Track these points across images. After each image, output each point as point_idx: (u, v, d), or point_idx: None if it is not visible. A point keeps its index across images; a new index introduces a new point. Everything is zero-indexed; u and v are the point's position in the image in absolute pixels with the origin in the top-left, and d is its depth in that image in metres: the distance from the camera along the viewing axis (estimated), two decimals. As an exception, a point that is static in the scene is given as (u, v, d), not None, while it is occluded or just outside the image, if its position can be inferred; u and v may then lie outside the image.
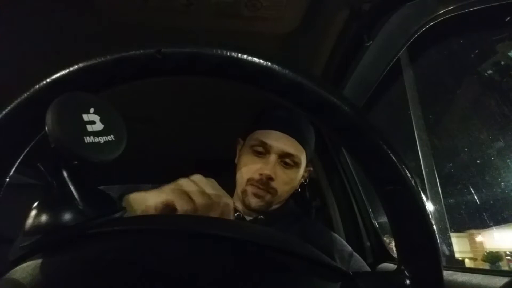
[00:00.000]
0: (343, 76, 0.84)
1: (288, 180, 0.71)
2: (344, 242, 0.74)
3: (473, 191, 1.03)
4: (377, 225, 1.05)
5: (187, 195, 0.41)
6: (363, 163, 0.25)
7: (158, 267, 0.22)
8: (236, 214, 0.72)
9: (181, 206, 0.40)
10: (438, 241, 0.23)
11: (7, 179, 0.25)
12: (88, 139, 0.23)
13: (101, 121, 0.24)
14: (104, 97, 0.25)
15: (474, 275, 0.60)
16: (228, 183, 0.58)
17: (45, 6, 0.62)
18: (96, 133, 0.23)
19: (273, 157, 0.69)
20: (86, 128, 0.23)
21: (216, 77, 0.24)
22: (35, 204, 0.25)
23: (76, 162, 0.24)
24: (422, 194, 0.23)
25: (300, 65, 0.25)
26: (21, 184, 1.17)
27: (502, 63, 0.90)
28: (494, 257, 1.38)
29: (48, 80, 0.24)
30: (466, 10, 0.59)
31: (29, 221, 0.24)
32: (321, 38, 0.74)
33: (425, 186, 1.04)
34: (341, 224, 1.06)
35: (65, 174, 0.25)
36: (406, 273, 0.24)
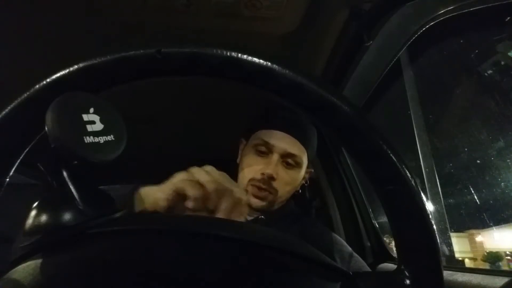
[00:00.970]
0: (343, 76, 0.84)
1: (290, 181, 0.71)
2: (344, 242, 0.74)
3: (473, 191, 1.03)
4: (377, 225, 1.05)
5: (198, 182, 0.40)
6: (363, 163, 0.25)
7: (158, 267, 0.22)
8: None
9: (192, 193, 0.39)
10: (438, 241, 0.23)
11: (7, 179, 0.25)
12: (88, 139, 0.23)
13: (101, 121, 0.24)
14: (104, 97, 0.25)
15: (474, 275, 0.60)
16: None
17: (45, 6, 0.62)
18: (96, 133, 0.23)
19: (275, 157, 0.69)
20: (86, 128, 0.23)
21: (216, 77, 0.24)
22: (35, 204, 0.25)
23: (76, 162, 0.24)
24: (422, 194, 0.23)
25: (300, 65, 0.25)
26: (21, 184, 1.17)
27: (502, 63, 0.90)
28: (494, 257, 1.39)
29: (48, 80, 0.24)
30: (466, 10, 0.59)
31: (29, 221, 0.24)
32: (321, 38, 0.74)
33: (425, 186, 1.04)
34: (341, 224, 1.06)
35: (65, 174, 0.25)
36: (406, 273, 0.24)
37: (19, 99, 0.24)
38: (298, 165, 0.72)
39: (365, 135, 0.23)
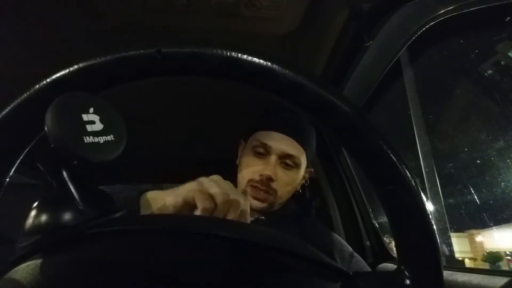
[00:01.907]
0: (343, 76, 0.84)
1: (289, 181, 0.71)
2: (344, 242, 0.74)
3: (473, 191, 1.03)
4: (377, 225, 1.05)
5: (207, 194, 0.41)
6: (363, 163, 0.25)
7: (158, 267, 0.22)
8: None
9: (203, 204, 0.39)
10: (438, 241, 0.23)
11: (7, 179, 0.25)
12: (88, 139, 0.23)
13: (101, 121, 0.24)
14: (104, 97, 0.25)
15: (474, 275, 0.60)
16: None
17: (45, 6, 0.62)
18: (95, 133, 0.23)
19: (273, 158, 0.69)
20: (85, 128, 0.23)
21: (216, 77, 0.24)
22: (35, 204, 0.25)
23: (76, 162, 0.24)
24: (422, 194, 0.23)
25: (300, 65, 0.25)
26: (21, 184, 1.17)
27: (502, 63, 0.90)
28: (494, 257, 1.39)
29: (48, 80, 0.24)
30: (466, 10, 0.59)
31: (29, 221, 0.24)
32: (321, 38, 0.74)
33: (425, 186, 1.04)
34: (341, 224, 1.06)
35: (65, 174, 0.25)
36: (406, 273, 0.24)
37: (19, 99, 0.24)
38: (296, 165, 0.72)
39: (365, 135, 0.23)
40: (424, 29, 0.66)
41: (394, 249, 0.51)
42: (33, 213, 0.24)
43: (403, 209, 0.24)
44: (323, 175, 1.11)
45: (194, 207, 0.40)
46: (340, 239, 0.75)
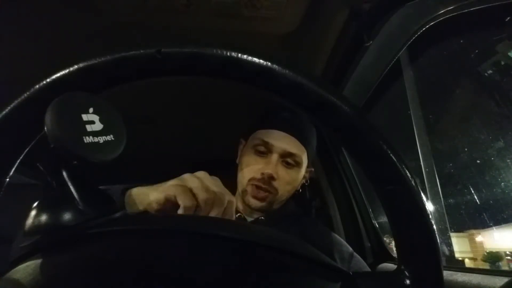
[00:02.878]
0: (343, 76, 0.84)
1: (290, 180, 0.71)
2: (344, 243, 0.74)
3: (473, 191, 1.03)
4: (377, 225, 1.05)
5: (189, 191, 0.40)
6: (363, 163, 0.25)
7: (158, 267, 0.22)
8: (237, 215, 0.72)
9: (183, 202, 0.39)
10: (438, 241, 0.23)
11: (7, 179, 0.25)
12: (88, 139, 0.23)
13: (101, 121, 0.24)
14: (104, 97, 0.25)
15: (474, 275, 0.60)
16: (228, 184, 0.57)
17: (45, 6, 0.62)
18: (95, 133, 0.23)
19: (274, 157, 0.69)
20: (85, 128, 0.23)
21: (216, 77, 0.24)
22: (35, 204, 0.25)
23: (75, 162, 0.24)
24: (422, 194, 0.23)
25: (300, 65, 0.25)
26: (21, 184, 1.16)
27: (502, 63, 0.90)
28: (494, 257, 1.38)
29: (48, 80, 0.23)
30: (466, 10, 0.59)
31: (29, 221, 0.24)
32: (321, 38, 0.74)
33: (425, 186, 1.04)
34: (341, 224, 1.06)
35: (65, 174, 0.25)
36: (406, 273, 0.24)
37: (19, 99, 0.24)
38: (298, 164, 0.72)
39: (365, 135, 0.23)
40: (424, 29, 0.66)
41: (394, 249, 0.51)
42: (33, 213, 0.24)
43: (403, 209, 0.24)
44: (323, 175, 1.11)
45: (177, 203, 0.40)
46: (340, 239, 0.75)
